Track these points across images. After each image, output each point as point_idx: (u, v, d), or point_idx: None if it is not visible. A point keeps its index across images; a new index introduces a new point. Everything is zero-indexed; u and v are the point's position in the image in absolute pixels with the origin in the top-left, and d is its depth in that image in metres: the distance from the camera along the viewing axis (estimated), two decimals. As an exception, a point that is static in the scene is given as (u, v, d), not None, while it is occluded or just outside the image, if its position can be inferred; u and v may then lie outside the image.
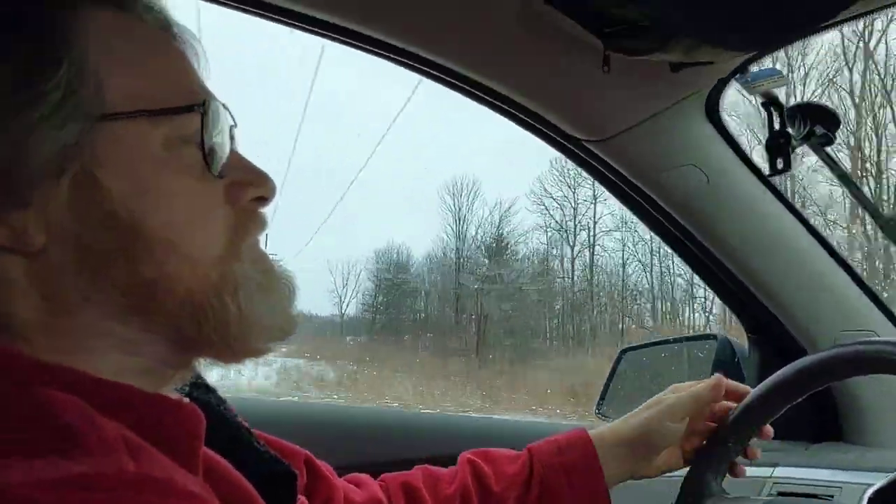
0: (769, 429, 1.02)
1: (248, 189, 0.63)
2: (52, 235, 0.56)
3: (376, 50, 1.15)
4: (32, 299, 0.57)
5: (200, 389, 0.71)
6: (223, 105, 0.64)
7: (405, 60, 1.17)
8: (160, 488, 0.49)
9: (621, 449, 1.01)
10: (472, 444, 1.05)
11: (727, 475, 1.02)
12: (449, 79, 1.20)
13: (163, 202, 0.58)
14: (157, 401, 0.57)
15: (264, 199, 0.65)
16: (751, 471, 1.05)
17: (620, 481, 1.01)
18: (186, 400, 0.64)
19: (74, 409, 0.51)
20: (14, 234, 0.55)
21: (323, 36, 1.15)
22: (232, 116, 0.65)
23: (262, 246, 0.65)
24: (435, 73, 1.20)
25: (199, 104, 0.61)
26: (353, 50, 1.16)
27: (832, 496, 1.22)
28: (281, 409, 1.49)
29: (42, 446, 0.48)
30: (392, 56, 1.17)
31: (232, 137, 0.65)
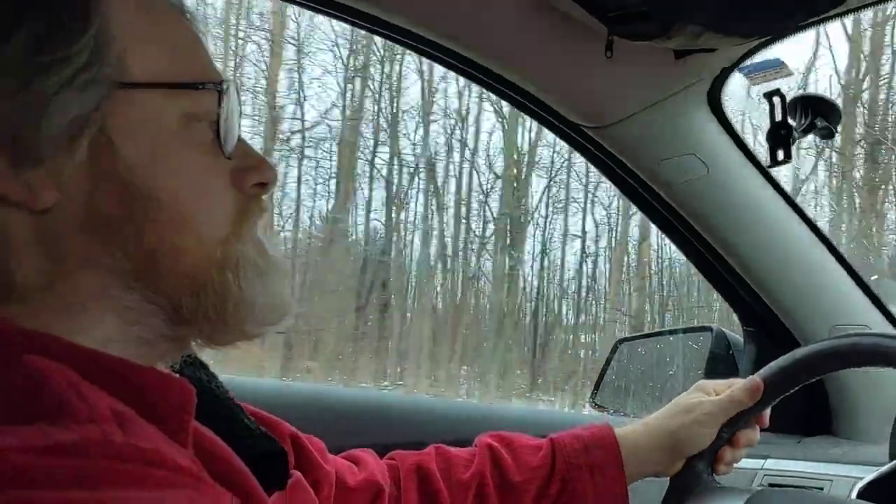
0: (764, 419, 1.01)
1: (251, 174, 0.64)
2: (63, 195, 0.56)
3: (377, 28, 1.15)
4: (37, 257, 0.57)
5: (192, 366, 0.71)
6: (236, 89, 0.64)
7: (406, 40, 1.17)
8: (147, 459, 0.49)
9: (649, 452, 0.98)
10: (483, 431, 1.03)
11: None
12: (450, 60, 1.20)
13: (176, 175, 0.59)
14: (147, 373, 0.57)
15: (265, 186, 0.65)
16: (742, 462, 1.04)
17: (639, 479, 0.99)
18: (177, 375, 0.64)
19: (64, 379, 0.51)
20: (26, 190, 0.56)
21: (326, 14, 1.14)
22: (239, 102, 0.66)
23: (259, 230, 0.65)
24: (435, 53, 1.19)
25: (217, 83, 0.61)
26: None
27: (822, 488, 1.23)
28: (275, 389, 1.48)
29: (30, 414, 0.48)
30: (393, 35, 1.17)
31: (238, 123, 0.65)
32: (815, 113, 1.20)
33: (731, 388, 0.99)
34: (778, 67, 1.17)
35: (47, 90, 0.55)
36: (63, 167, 0.56)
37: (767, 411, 1.01)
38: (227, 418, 0.69)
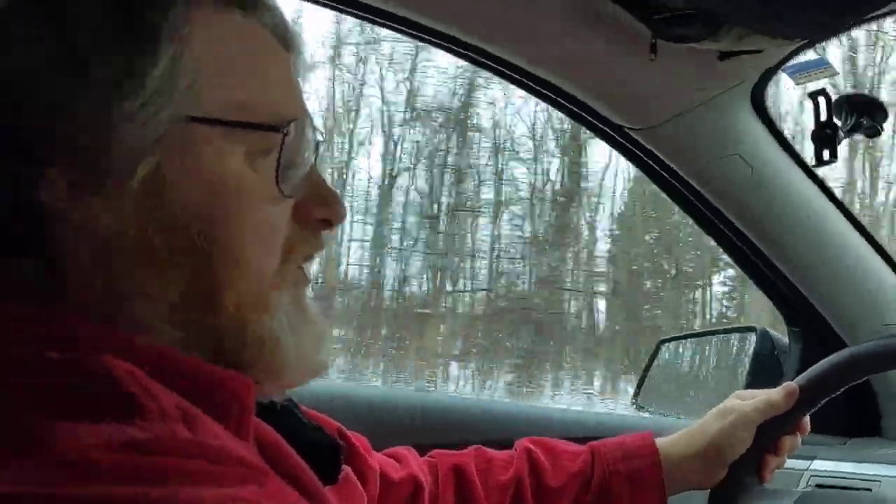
0: (806, 423, 1.01)
1: (318, 208, 0.63)
2: (117, 225, 0.56)
3: (421, 34, 1.16)
4: (95, 282, 0.57)
5: None
6: (311, 121, 0.63)
7: (449, 45, 1.18)
8: (214, 455, 0.50)
9: (690, 462, 0.97)
10: (524, 434, 1.03)
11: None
12: (492, 64, 1.21)
13: (231, 214, 0.58)
14: (210, 371, 0.58)
15: (329, 223, 0.65)
16: (788, 463, 1.03)
17: (680, 491, 0.98)
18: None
19: (132, 377, 0.52)
20: (84, 214, 0.56)
21: (364, 19, 1.16)
22: (320, 131, 0.65)
23: (309, 268, 0.65)
24: (478, 57, 1.20)
25: (285, 125, 0.60)
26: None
27: (870, 490, 1.21)
28: (316, 388, 1.49)
29: (102, 412, 0.49)
30: (435, 41, 1.18)
31: (316, 154, 0.64)
32: (861, 112, 1.18)
33: (766, 392, 0.98)
34: (823, 67, 1.16)
35: (115, 118, 0.54)
36: (119, 197, 0.56)
37: (807, 418, 1.00)
38: (283, 412, 0.70)
